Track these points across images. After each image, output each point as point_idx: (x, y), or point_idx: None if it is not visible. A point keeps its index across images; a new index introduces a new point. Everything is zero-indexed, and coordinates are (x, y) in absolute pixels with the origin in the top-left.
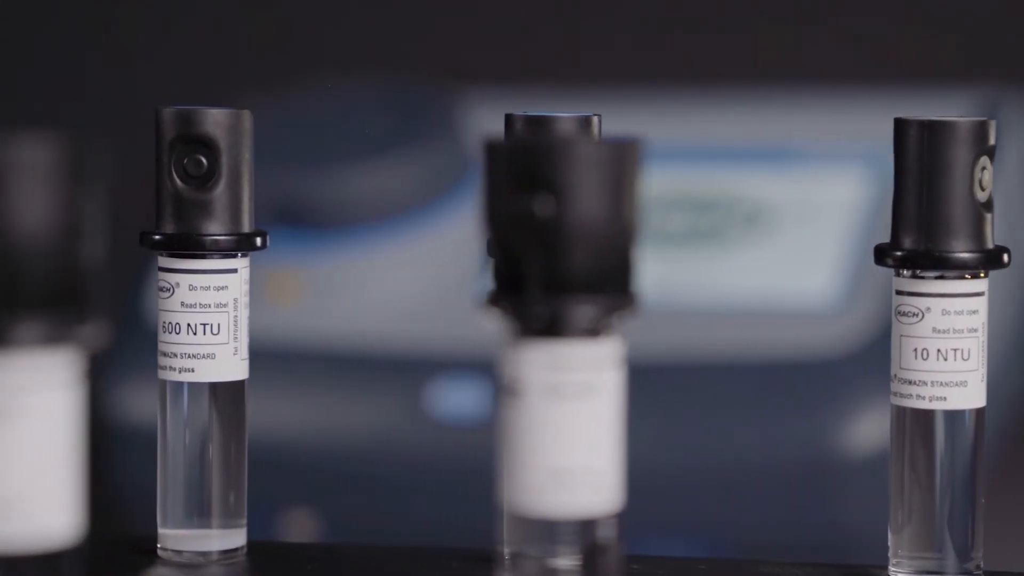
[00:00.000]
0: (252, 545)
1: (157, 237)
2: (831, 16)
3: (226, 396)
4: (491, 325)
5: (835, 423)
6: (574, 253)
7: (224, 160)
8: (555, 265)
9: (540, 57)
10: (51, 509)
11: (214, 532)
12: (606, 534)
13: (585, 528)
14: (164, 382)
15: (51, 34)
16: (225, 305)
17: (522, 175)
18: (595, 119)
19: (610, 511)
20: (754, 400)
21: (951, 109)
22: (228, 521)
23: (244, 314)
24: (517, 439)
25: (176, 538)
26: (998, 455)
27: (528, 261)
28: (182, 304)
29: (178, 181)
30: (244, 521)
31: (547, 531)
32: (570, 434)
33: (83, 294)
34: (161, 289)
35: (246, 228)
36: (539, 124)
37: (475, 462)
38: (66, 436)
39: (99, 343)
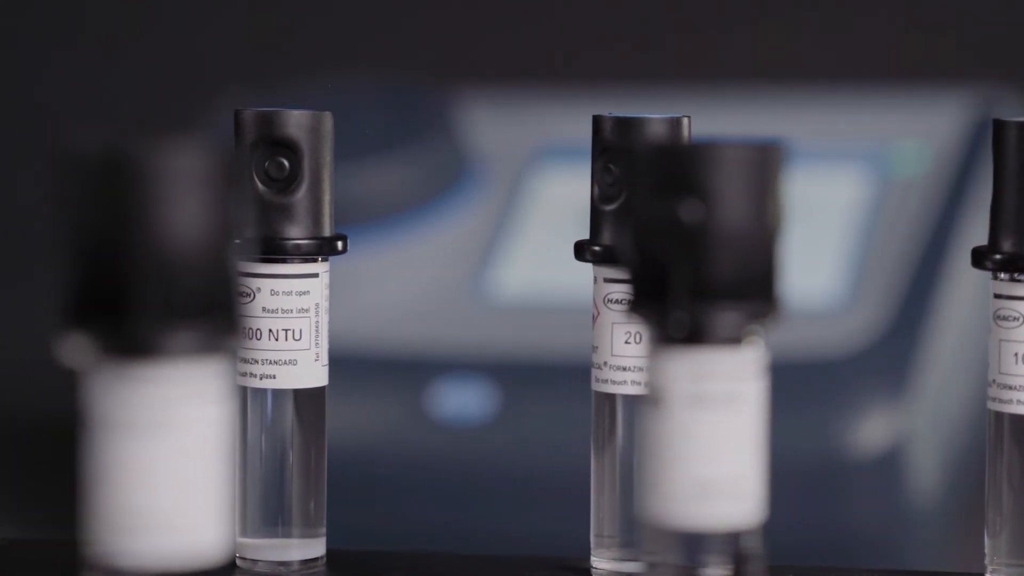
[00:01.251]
0: (331, 554)
1: (236, 242)
2: (830, 16)
3: (307, 403)
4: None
5: (840, 423)
6: (720, 259)
7: (306, 163)
8: (701, 272)
9: (538, 56)
10: (202, 524)
11: (294, 541)
12: (750, 544)
13: (729, 539)
14: (244, 388)
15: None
16: (307, 310)
17: (668, 180)
18: (685, 121)
19: (753, 521)
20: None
21: (949, 109)
22: (308, 530)
23: (325, 319)
24: (659, 449)
25: (255, 547)
26: None
27: (674, 268)
28: (263, 309)
29: (259, 184)
30: (324, 530)
31: (691, 542)
32: (714, 444)
33: (235, 304)
34: (241, 295)
35: (327, 232)
36: (629, 126)
37: (476, 464)
38: (217, 449)
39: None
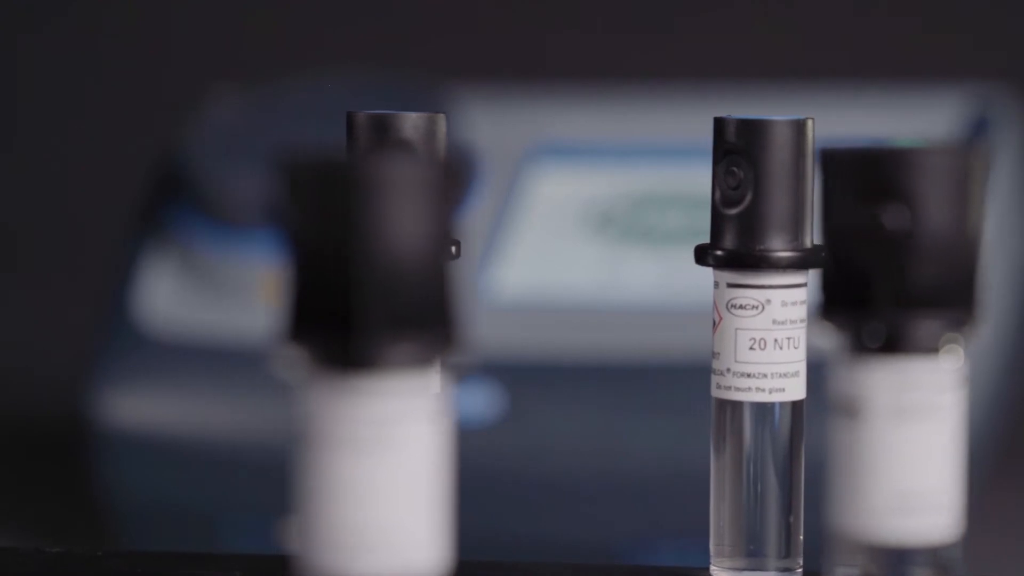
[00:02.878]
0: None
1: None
2: (829, 15)
3: None
4: (823, 340)
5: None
6: (922, 266)
7: None
8: (903, 279)
9: (537, 55)
10: (418, 542)
11: None
12: (950, 558)
13: (929, 553)
14: None
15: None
16: None
17: (869, 185)
18: (810, 123)
19: (954, 535)
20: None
21: (945, 107)
22: None
23: None
24: (858, 462)
25: None
26: None
27: (875, 275)
28: None
29: None
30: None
31: (891, 556)
32: (916, 456)
33: (453, 316)
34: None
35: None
36: (753, 128)
37: (480, 466)
38: (435, 465)
39: (467, 368)
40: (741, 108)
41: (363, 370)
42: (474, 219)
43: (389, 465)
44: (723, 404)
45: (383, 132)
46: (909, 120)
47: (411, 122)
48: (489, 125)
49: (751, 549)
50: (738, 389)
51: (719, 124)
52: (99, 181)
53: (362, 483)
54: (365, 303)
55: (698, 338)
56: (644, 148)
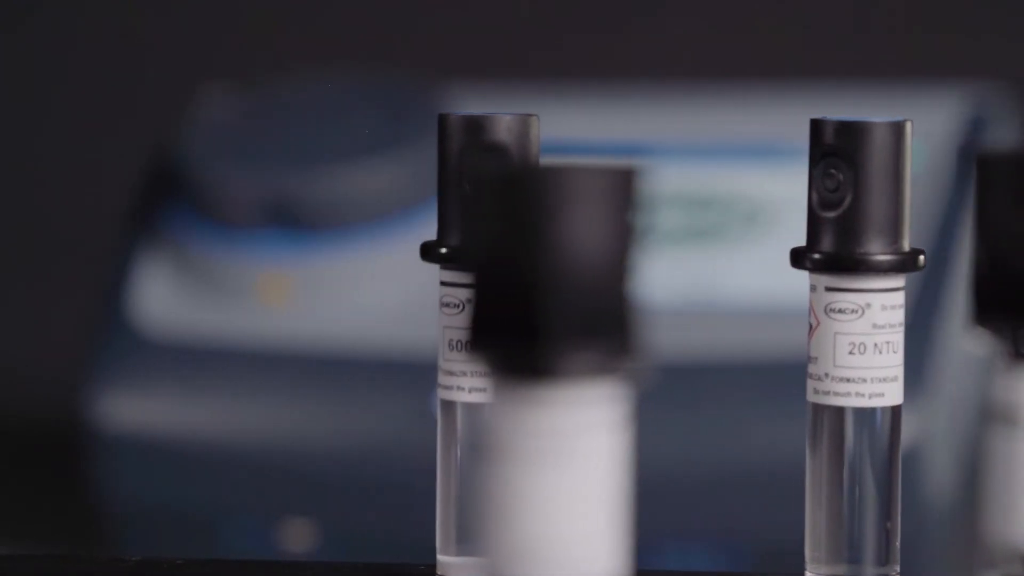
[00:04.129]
0: None
1: (443, 250)
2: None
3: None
4: (972, 347)
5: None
6: None
7: None
8: None
9: (535, 55)
10: (601, 554)
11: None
12: None
13: None
14: (451, 403)
15: None
16: None
17: None
18: (908, 125)
19: None
20: (762, 401)
21: (943, 106)
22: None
23: None
24: (1015, 469)
25: (459, 567)
26: None
27: None
28: None
29: (468, 190)
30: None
31: None
32: None
33: (634, 324)
34: (447, 304)
35: None
36: (852, 129)
37: None
38: (617, 476)
39: (647, 378)
40: (740, 107)
41: (547, 380)
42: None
43: (572, 477)
44: (820, 409)
45: (476, 134)
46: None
47: (505, 124)
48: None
49: (849, 556)
50: (837, 394)
51: (816, 126)
52: (94, 182)
53: (545, 495)
54: (550, 312)
55: (699, 338)
56: (643, 148)
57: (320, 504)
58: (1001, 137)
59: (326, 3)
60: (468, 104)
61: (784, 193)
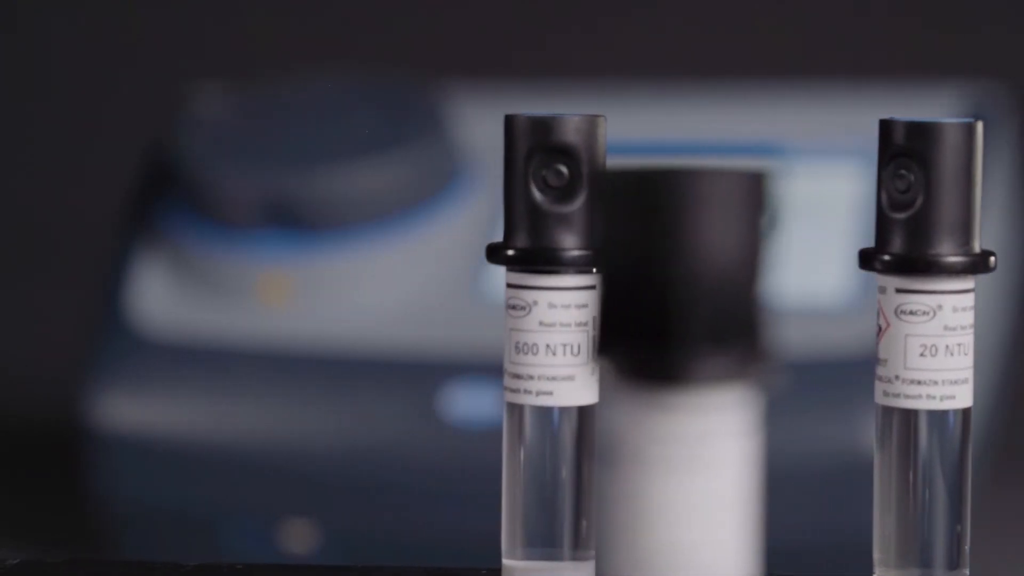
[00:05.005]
0: None
1: (511, 252)
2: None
3: (584, 419)
4: None
5: (854, 425)
6: None
7: (584, 169)
8: None
9: (534, 54)
10: (730, 563)
11: (566, 564)
12: None
13: None
14: (518, 406)
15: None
16: (585, 324)
17: None
18: (979, 126)
19: None
20: (767, 402)
21: (941, 105)
22: (579, 552)
23: (599, 334)
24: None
25: (524, 571)
26: None
27: None
28: (540, 323)
29: (536, 193)
30: (593, 552)
31: None
32: None
33: (764, 329)
34: (513, 307)
35: (600, 242)
36: (923, 130)
37: (482, 469)
38: (748, 483)
39: (778, 383)
40: (737, 106)
41: (678, 385)
42: (472, 218)
43: (702, 483)
44: (890, 411)
45: (544, 135)
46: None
47: (573, 125)
48: (483, 123)
49: (919, 559)
50: (907, 396)
51: (886, 126)
52: (94, 182)
53: (674, 502)
54: (682, 316)
55: None
56: (640, 147)
57: (320, 504)
58: (998, 136)
59: (326, 2)
60: (468, 104)
61: (785, 192)
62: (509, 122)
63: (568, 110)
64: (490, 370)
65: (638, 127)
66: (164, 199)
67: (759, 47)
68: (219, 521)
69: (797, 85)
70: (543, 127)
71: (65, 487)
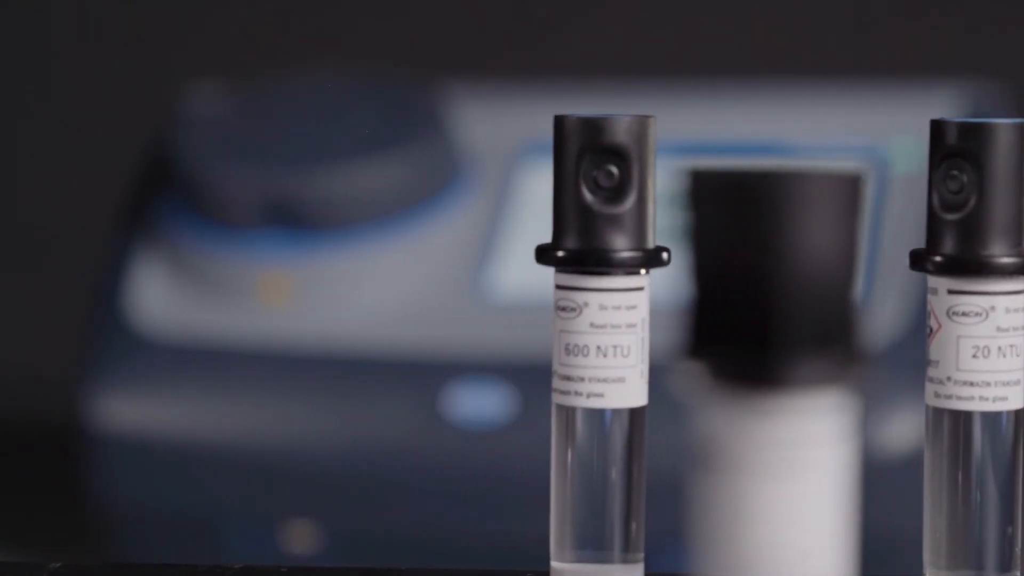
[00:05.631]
0: None
1: (560, 253)
2: (822, 12)
3: (634, 421)
4: None
5: (865, 423)
6: None
7: (635, 170)
8: None
9: (534, 54)
10: (825, 569)
11: (616, 567)
12: None
13: None
14: (568, 408)
15: None
16: (635, 325)
17: None
18: None
19: None
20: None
21: (940, 104)
22: (628, 555)
23: (647, 335)
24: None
25: (574, 573)
26: None
27: None
28: (591, 325)
29: (587, 194)
30: (642, 555)
31: None
32: None
33: (859, 332)
34: (563, 308)
35: (650, 243)
36: (976, 131)
37: (491, 468)
38: (843, 489)
39: (870, 385)
40: (738, 106)
41: (774, 389)
42: (471, 217)
43: (800, 488)
44: (941, 413)
45: (595, 135)
46: (901, 117)
47: (624, 125)
48: (481, 122)
49: (971, 561)
50: (960, 398)
51: (938, 127)
52: (93, 181)
53: (769, 508)
54: (780, 320)
55: None
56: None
57: (321, 505)
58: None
59: (327, 2)
60: (468, 104)
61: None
62: (559, 123)
63: (568, 110)
64: (490, 370)
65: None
66: (164, 199)
67: (759, 46)
68: (219, 521)
69: (796, 84)
70: (594, 128)
71: (64, 488)
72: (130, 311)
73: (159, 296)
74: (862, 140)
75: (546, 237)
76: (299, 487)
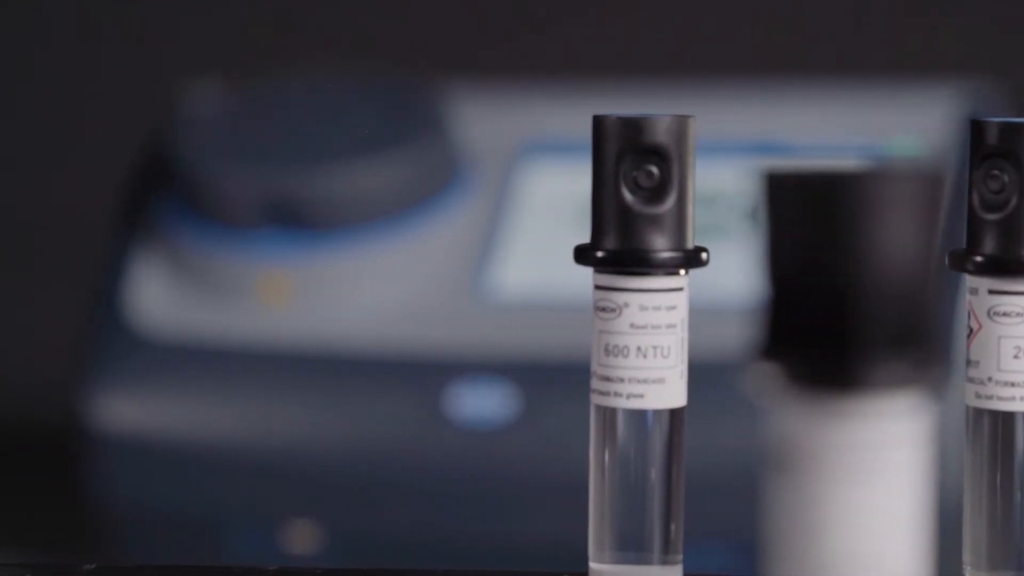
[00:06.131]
0: None
1: (600, 254)
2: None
3: (674, 422)
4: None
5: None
6: None
7: (675, 170)
8: None
9: (535, 53)
10: (904, 572)
11: (655, 568)
12: None
13: None
14: (607, 409)
15: None
16: (674, 326)
17: None
18: None
19: None
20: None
21: (937, 103)
22: (667, 556)
23: (687, 335)
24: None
25: (612, 574)
26: None
27: None
28: (631, 326)
29: (627, 194)
30: (681, 556)
31: None
32: None
33: (938, 333)
34: (603, 309)
35: (690, 243)
36: (1017, 130)
37: (483, 469)
38: (922, 492)
39: (945, 388)
40: (732, 103)
41: (854, 391)
42: (472, 217)
43: (878, 493)
44: (981, 413)
45: (635, 135)
46: (899, 116)
47: (664, 125)
48: (481, 121)
49: (1012, 562)
50: (1000, 398)
51: (979, 127)
52: (92, 181)
53: (848, 512)
54: (861, 320)
55: (704, 336)
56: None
57: (321, 505)
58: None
59: (327, 1)
60: (468, 104)
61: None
62: (598, 123)
63: (569, 110)
64: (491, 369)
65: None
66: (163, 199)
67: (757, 45)
68: (219, 522)
69: (795, 83)
70: (634, 128)
71: (63, 488)
72: (130, 311)
73: (159, 296)
74: (862, 140)
75: (547, 236)
76: (299, 487)
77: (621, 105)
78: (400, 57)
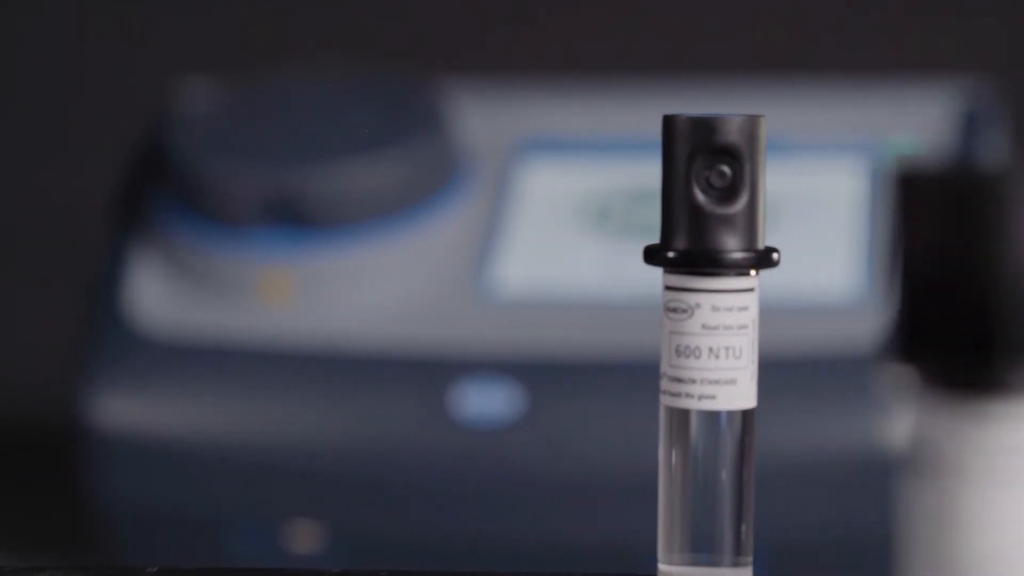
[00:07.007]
0: None
1: (671, 254)
2: (819, 11)
3: (745, 423)
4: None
5: (864, 421)
6: None
7: (747, 170)
8: None
9: (533, 51)
10: None
11: (726, 571)
12: None
13: None
14: (678, 410)
15: None
16: (746, 327)
17: None
18: None
19: None
20: (775, 399)
21: (936, 101)
22: (738, 558)
23: (757, 335)
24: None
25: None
26: None
27: None
28: (703, 327)
29: (698, 194)
30: (751, 559)
31: None
32: None
33: None
34: (673, 310)
35: (761, 244)
36: None
37: (484, 468)
38: None
39: None
40: (734, 102)
41: (997, 394)
42: (472, 215)
43: (1019, 496)
44: None
45: (706, 135)
46: (898, 116)
47: (735, 125)
48: (479, 119)
49: None
50: None
51: None
52: (92, 181)
53: (988, 515)
54: (1004, 322)
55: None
56: (636, 143)
57: (322, 504)
58: (992, 134)
59: (328, 3)
60: (468, 103)
61: (787, 188)
62: (668, 122)
63: (567, 108)
64: (492, 368)
65: (634, 120)
66: (162, 197)
67: (754, 43)
68: (219, 521)
69: (795, 83)
70: (705, 128)
71: (63, 488)
72: (129, 310)
73: (158, 295)
74: (862, 139)
75: (547, 234)
76: (300, 487)
77: (621, 105)
78: (399, 55)
